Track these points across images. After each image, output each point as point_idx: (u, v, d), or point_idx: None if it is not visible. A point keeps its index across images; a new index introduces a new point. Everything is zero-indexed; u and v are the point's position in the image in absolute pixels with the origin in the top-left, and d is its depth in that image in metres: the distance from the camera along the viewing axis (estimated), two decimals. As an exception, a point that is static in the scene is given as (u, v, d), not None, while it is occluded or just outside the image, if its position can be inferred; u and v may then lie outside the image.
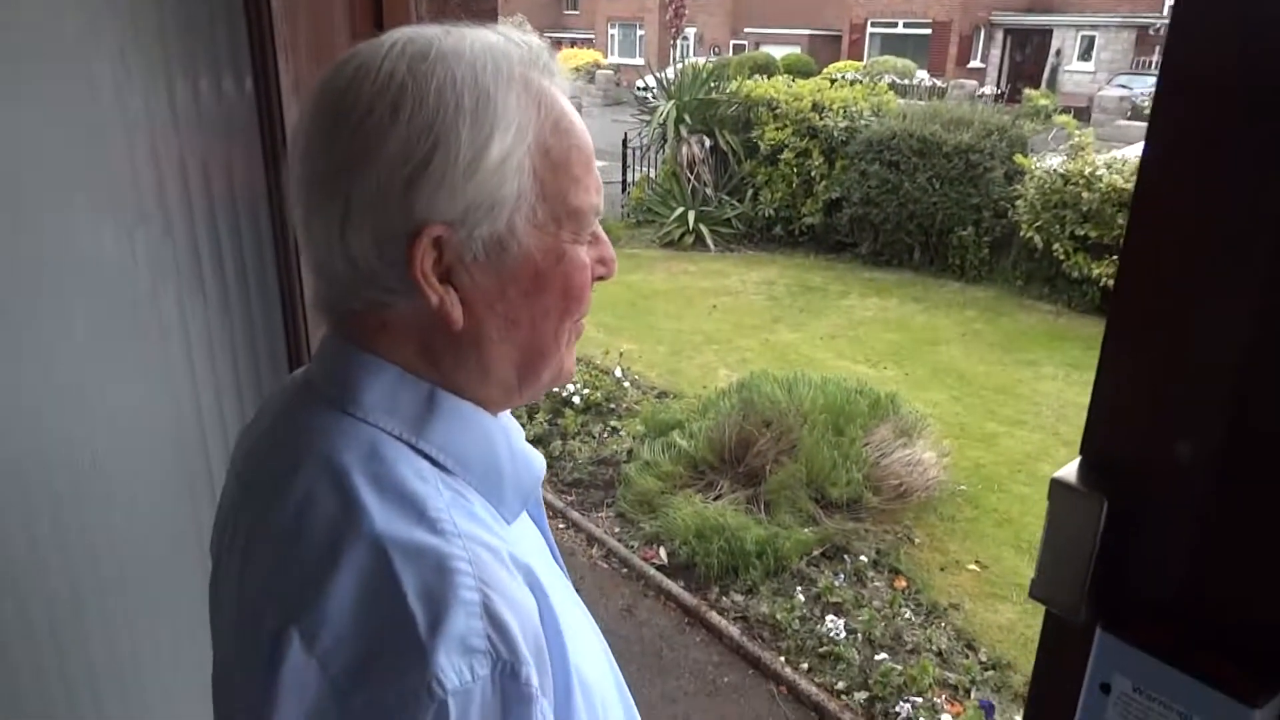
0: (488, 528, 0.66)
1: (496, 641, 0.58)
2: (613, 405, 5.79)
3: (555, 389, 4.40)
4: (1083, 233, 7.84)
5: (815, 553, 4.21)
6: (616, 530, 4.54)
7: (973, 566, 4.29)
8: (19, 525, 1.14)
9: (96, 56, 1.08)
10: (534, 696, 0.59)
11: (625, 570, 4.24)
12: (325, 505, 0.62)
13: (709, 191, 10.75)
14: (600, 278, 0.73)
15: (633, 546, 4.37)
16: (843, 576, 4.06)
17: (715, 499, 4.54)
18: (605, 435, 5.43)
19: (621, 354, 6.61)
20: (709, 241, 10.36)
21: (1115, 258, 7.53)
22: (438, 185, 0.62)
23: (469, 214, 0.63)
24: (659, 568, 4.20)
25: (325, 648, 0.57)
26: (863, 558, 4.18)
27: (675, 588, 4.03)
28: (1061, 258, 8.06)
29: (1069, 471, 0.49)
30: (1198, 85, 0.43)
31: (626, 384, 6.11)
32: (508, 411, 0.77)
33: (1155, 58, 26.99)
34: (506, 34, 0.70)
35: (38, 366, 1.13)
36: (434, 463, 0.67)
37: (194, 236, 1.20)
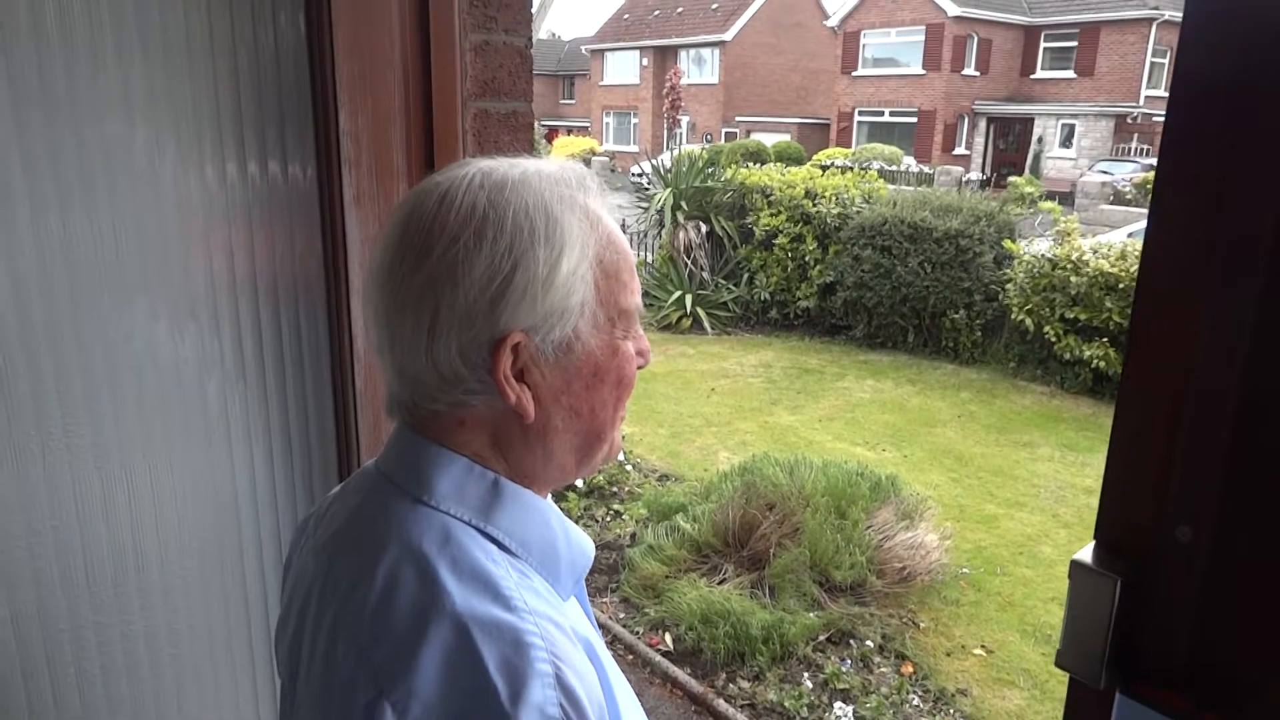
0: (551, 604, 0.73)
1: (569, 710, 0.64)
2: (615, 489, 5.82)
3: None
4: (1072, 316, 8.01)
5: (821, 638, 4.20)
6: (621, 616, 4.52)
7: (979, 651, 4.27)
8: (66, 608, 1.20)
9: (174, 146, 1.20)
10: None
11: (631, 657, 4.21)
12: (410, 586, 0.68)
13: (706, 276, 10.98)
14: (639, 367, 0.82)
15: (638, 632, 4.35)
16: (849, 662, 4.04)
17: (720, 583, 4.54)
18: (608, 519, 5.45)
19: (623, 437, 6.66)
20: (706, 325, 10.53)
21: (1106, 340, 7.75)
22: (519, 300, 0.71)
23: (544, 322, 0.72)
24: (665, 654, 4.18)
25: (415, 717, 0.63)
26: (869, 642, 4.18)
27: (682, 675, 4.00)
28: (1053, 340, 8.21)
29: (1086, 554, 0.57)
30: (1184, 229, 0.53)
31: (629, 467, 6.15)
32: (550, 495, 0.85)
33: (1134, 144, 27.89)
34: (558, 162, 0.80)
35: (93, 460, 1.20)
36: (500, 545, 0.74)
37: (258, 330, 1.30)
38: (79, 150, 1.13)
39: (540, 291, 0.71)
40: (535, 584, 0.74)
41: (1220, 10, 0.51)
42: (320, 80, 1.26)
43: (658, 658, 4.13)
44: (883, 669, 4.04)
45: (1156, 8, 27.32)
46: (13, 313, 1.11)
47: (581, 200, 0.77)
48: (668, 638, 4.28)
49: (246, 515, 1.34)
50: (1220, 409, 0.51)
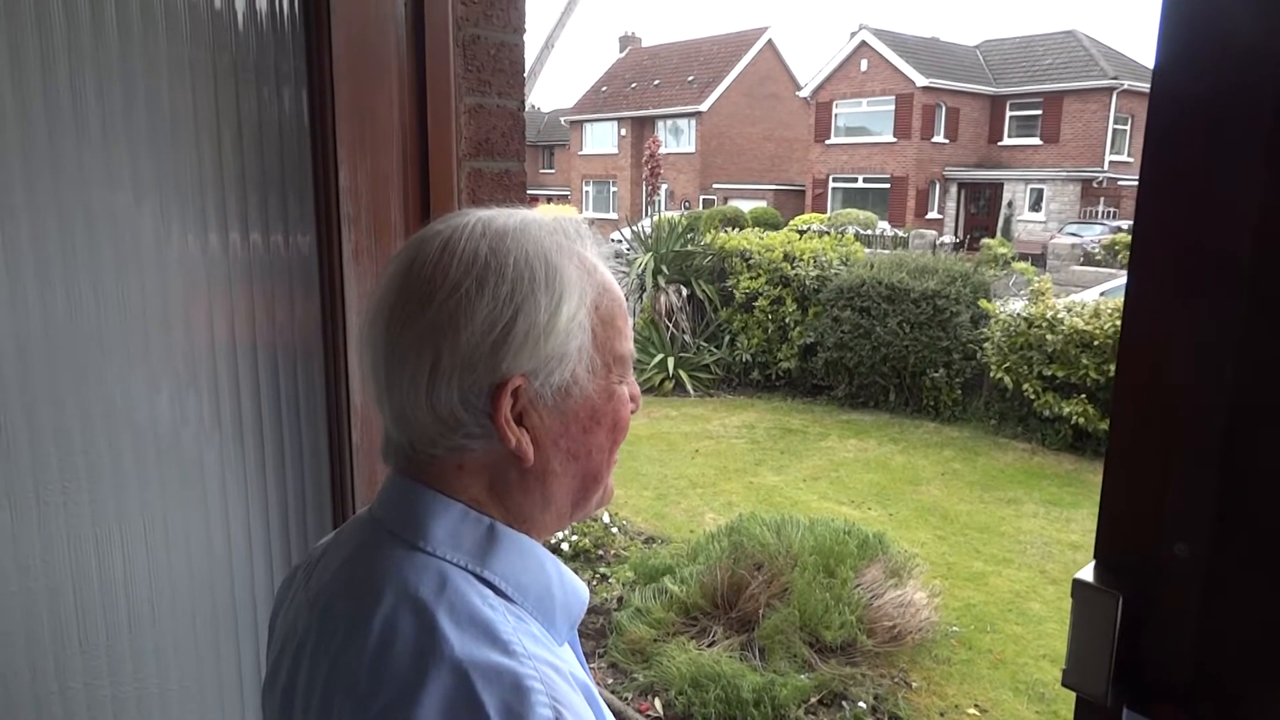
0: (549, 649, 0.73)
1: None
2: (601, 552, 5.77)
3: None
4: (1050, 373, 8.11)
5: (813, 699, 4.13)
6: (609, 681, 4.44)
7: (972, 710, 4.22)
8: (55, 669, 1.18)
9: (179, 216, 1.22)
10: None
11: (620, 723, 4.13)
12: (407, 634, 0.68)
13: (687, 338, 11.07)
14: (632, 412, 0.83)
15: (626, 698, 4.27)
16: (842, 724, 3.98)
17: (709, 645, 4.48)
18: (595, 583, 5.38)
19: (608, 499, 6.62)
20: (689, 387, 10.57)
21: (1084, 396, 7.84)
22: (520, 345, 0.72)
23: (544, 366, 0.74)
24: (654, 720, 4.10)
25: None
26: (861, 704, 4.11)
27: (672, 740, 3.92)
28: (1032, 397, 8.30)
29: (1087, 572, 0.59)
30: (1165, 262, 0.56)
31: (615, 530, 6.10)
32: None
33: (1101, 207, 28.63)
34: (553, 213, 0.83)
35: (90, 518, 1.20)
36: (496, 590, 0.74)
37: (256, 389, 1.31)
38: (86, 219, 1.15)
39: (542, 337, 0.72)
40: (532, 628, 0.73)
41: (1190, 54, 0.55)
42: (321, 145, 1.30)
43: (648, 724, 4.04)
44: (877, 731, 3.98)
45: (1116, 78, 28.31)
46: (15, 372, 1.12)
47: (578, 249, 0.79)
48: (658, 703, 4.19)
49: (240, 573, 1.33)
50: (1210, 427, 0.53)
